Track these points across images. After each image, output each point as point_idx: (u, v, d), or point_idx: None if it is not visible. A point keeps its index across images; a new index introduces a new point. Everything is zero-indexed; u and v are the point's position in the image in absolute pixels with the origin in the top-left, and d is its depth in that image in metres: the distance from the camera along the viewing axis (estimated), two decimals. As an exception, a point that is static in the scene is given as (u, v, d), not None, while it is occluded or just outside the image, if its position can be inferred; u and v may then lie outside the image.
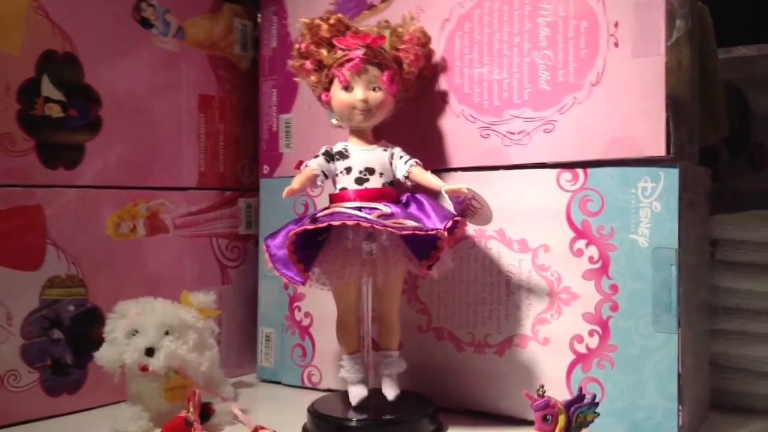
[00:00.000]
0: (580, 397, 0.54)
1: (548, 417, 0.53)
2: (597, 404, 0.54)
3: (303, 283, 0.64)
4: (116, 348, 0.66)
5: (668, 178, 0.61)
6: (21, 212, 0.71)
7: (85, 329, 0.75)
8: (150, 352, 0.65)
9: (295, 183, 0.64)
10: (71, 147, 0.75)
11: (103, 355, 0.66)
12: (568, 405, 0.53)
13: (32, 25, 0.72)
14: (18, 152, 0.71)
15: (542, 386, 0.54)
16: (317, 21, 0.67)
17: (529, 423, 0.66)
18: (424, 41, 0.71)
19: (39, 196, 0.72)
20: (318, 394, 0.74)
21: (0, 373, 0.69)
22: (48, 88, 0.73)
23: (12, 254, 0.70)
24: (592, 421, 0.54)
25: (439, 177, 0.66)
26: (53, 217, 0.73)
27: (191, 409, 0.63)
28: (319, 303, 0.80)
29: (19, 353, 0.71)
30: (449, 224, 0.62)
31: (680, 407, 0.61)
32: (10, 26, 0.71)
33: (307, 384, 0.82)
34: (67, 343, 0.74)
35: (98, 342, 0.68)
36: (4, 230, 0.70)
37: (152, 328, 0.65)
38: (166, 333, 0.66)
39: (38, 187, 0.73)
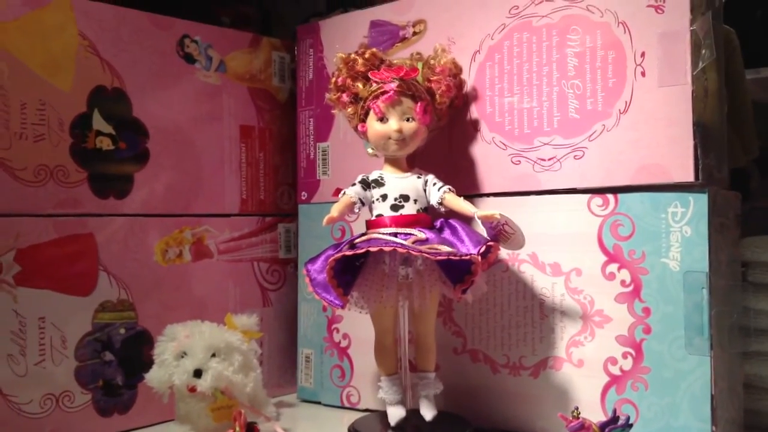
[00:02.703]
0: (615, 418, 0.55)
1: (583, 438, 0.54)
2: (631, 425, 0.55)
3: (342, 307, 0.66)
4: (166, 370, 0.68)
5: (698, 204, 0.62)
6: (74, 240, 0.75)
7: (135, 351, 0.78)
8: (198, 373, 0.67)
9: (334, 211, 0.67)
10: (121, 178, 0.79)
11: (153, 377, 0.69)
12: (603, 426, 0.54)
13: (83, 63, 0.76)
14: (71, 183, 0.75)
15: (577, 408, 0.55)
16: (353, 56, 0.70)
17: (564, 443, 0.67)
18: (455, 72, 0.73)
19: (91, 224, 0.76)
20: (357, 414, 0.76)
21: (55, 395, 0.73)
22: (99, 122, 0.77)
23: (66, 280, 0.74)
24: (626, 442, 0.55)
25: (472, 203, 0.68)
26: (104, 245, 0.77)
27: (237, 429, 0.65)
28: (357, 325, 0.83)
29: (73, 375, 0.74)
30: (483, 249, 0.64)
31: (714, 429, 0.61)
32: (62, 64, 0.75)
33: (346, 404, 0.84)
34: (118, 365, 0.77)
35: (148, 364, 0.71)
36: (58, 257, 0.73)
37: (200, 350, 0.68)
38: (213, 355, 0.69)
39: (90, 216, 0.76)
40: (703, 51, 0.62)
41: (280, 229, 0.93)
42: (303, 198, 0.90)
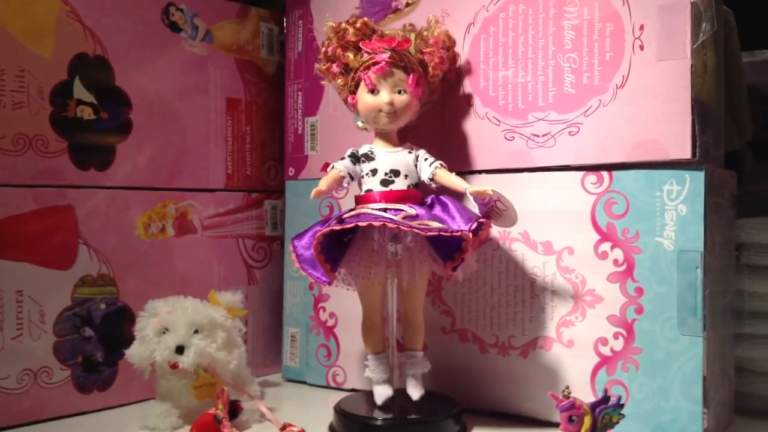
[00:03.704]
0: (606, 398, 0.54)
1: (574, 418, 0.53)
2: (622, 405, 0.54)
3: (329, 283, 0.64)
4: (147, 346, 0.67)
5: (694, 181, 0.61)
6: (53, 212, 0.73)
7: (116, 327, 0.76)
8: (180, 349, 0.66)
9: (322, 184, 0.65)
10: (102, 149, 0.77)
11: (134, 353, 0.67)
12: (594, 406, 0.54)
13: (64, 29, 0.74)
14: (51, 153, 0.73)
15: (567, 387, 0.54)
16: (344, 25, 0.68)
17: (552, 425, 0.66)
18: (449, 44, 0.71)
19: (71, 196, 0.74)
20: (342, 394, 0.75)
21: (33, 370, 0.71)
22: (80, 91, 0.75)
23: (45, 253, 0.72)
24: (618, 422, 0.54)
25: (464, 179, 0.66)
26: (85, 218, 0.75)
27: (220, 406, 0.64)
28: (344, 304, 0.81)
29: (52, 350, 0.72)
30: (474, 226, 0.63)
31: (705, 411, 0.61)
32: (42, 30, 0.72)
33: (332, 384, 0.83)
34: (98, 341, 0.75)
35: (128, 340, 0.70)
36: (37, 230, 0.71)
37: (182, 326, 0.67)
38: (196, 331, 0.67)
39: (70, 188, 0.74)
40: (704, 24, 0.61)
41: (267, 205, 0.91)
42: (290, 174, 0.88)
